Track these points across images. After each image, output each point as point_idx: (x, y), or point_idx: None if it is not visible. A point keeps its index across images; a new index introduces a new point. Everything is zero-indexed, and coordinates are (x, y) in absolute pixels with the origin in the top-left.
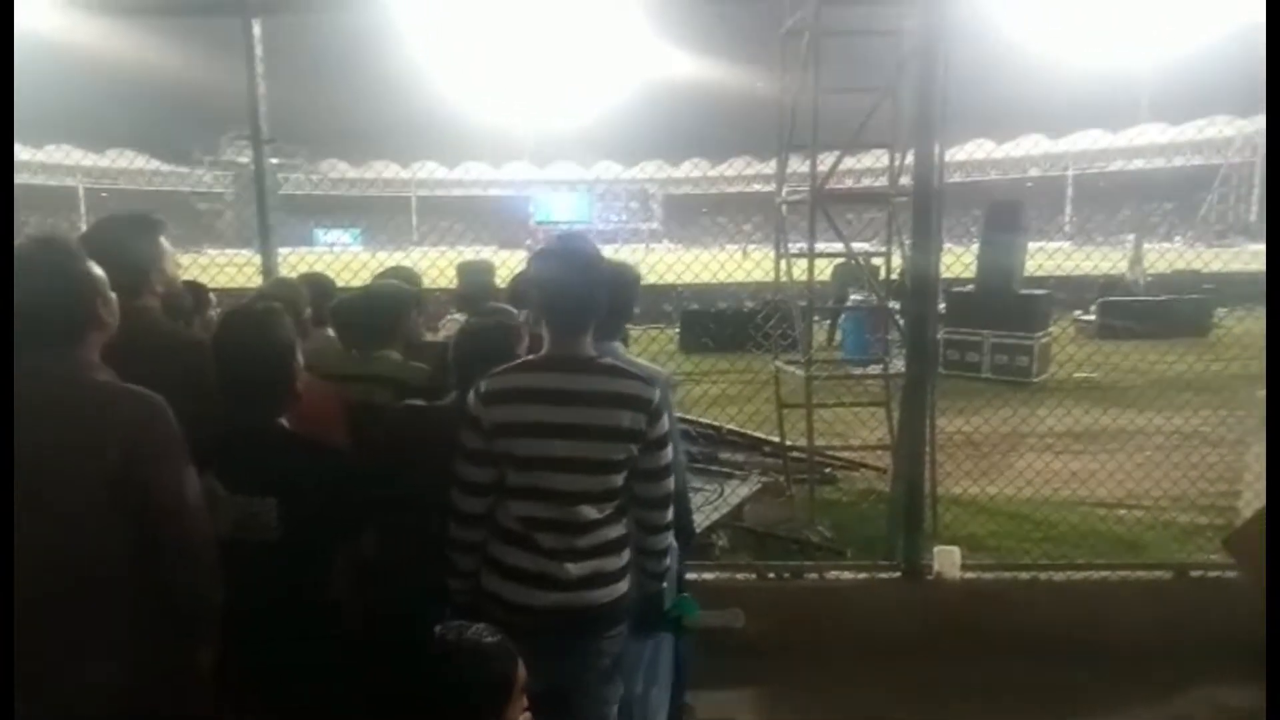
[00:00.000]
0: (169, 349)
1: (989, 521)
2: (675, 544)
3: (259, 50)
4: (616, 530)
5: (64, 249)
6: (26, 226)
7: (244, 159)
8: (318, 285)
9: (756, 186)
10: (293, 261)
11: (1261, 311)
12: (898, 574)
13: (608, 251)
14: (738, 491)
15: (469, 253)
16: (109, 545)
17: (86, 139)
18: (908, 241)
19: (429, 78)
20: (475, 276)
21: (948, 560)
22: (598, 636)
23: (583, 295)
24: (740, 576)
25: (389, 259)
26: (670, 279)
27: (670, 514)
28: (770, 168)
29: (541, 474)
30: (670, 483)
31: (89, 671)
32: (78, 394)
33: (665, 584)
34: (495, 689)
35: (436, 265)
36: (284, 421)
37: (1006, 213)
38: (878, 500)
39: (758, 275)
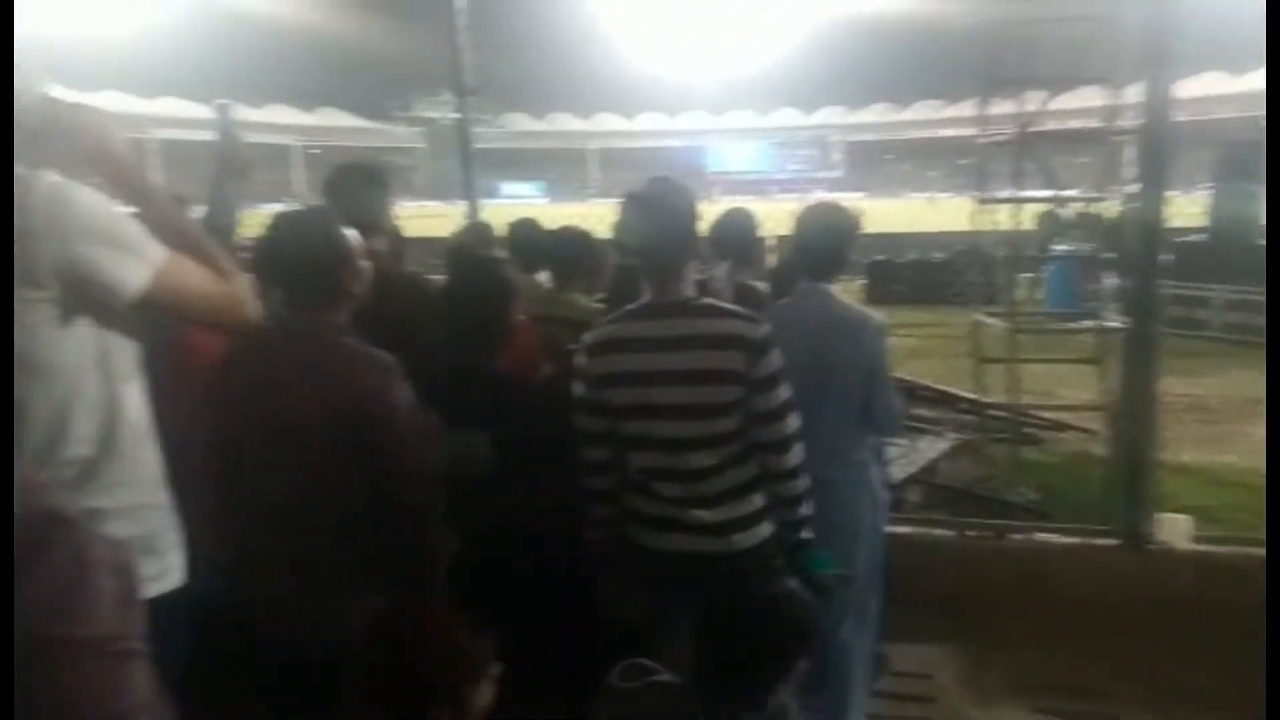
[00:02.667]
0: (399, 288)
1: (1219, 492)
2: (885, 495)
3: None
4: (743, 474)
5: (325, 218)
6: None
7: (434, 114)
8: (525, 230)
9: (943, 131)
10: (494, 213)
11: None
12: (1115, 542)
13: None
14: (932, 447)
15: None
16: (340, 500)
17: (299, 99)
18: (1126, 188)
19: (603, 26)
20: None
21: (1175, 530)
22: (746, 580)
23: (671, 240)
24: (938, 532)
25: (581, 210)
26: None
27: (796, 457)
28: (960, 111)
29: (646, 422)
30: (789, 424)
31: (317, 618)
32: (321, 354)
33: (806, 534)
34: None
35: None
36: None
37: (1245, 155)
38: (1087, 464)
39: (944, 223)
